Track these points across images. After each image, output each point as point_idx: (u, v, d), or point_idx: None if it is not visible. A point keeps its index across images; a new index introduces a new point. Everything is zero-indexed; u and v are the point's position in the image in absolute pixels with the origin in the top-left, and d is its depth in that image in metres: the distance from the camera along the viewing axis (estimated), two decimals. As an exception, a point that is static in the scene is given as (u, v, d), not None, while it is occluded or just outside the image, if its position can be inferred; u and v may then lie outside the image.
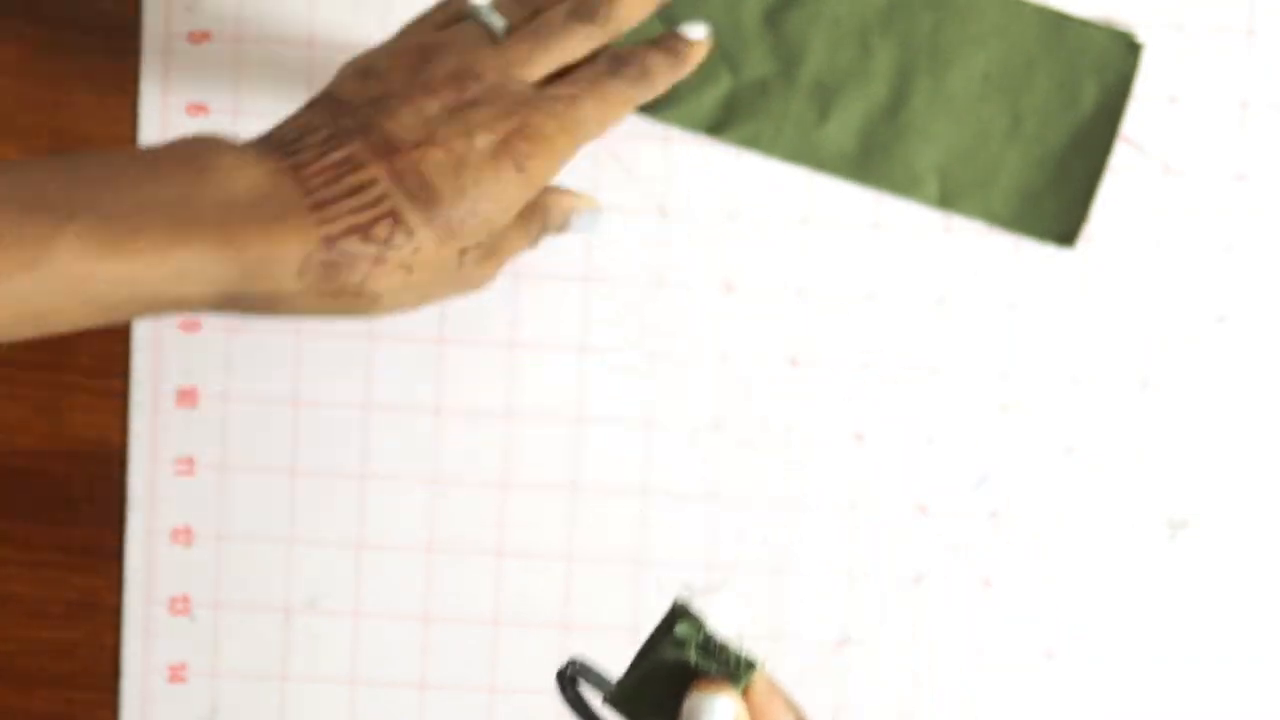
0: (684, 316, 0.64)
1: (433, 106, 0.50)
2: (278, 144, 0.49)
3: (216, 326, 0.64)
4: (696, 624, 0.42)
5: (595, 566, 0.65)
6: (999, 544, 0.65)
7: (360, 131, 0.49)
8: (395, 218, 0.48)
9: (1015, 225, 0.63)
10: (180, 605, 0.65)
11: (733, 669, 0.41)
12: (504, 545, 0.65)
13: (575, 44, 0.53)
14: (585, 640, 0.65)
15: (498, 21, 0.53)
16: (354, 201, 0.48)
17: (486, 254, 0.52)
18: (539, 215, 0.55)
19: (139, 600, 0.65)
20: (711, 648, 0.41)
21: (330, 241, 0.48)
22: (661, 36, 0.57)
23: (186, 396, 0.64)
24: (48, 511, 0.65)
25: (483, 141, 0.50)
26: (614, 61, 0.53)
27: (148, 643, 0.65)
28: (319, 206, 0.48)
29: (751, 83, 0.63)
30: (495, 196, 0.50)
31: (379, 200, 0.48)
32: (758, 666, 0.41)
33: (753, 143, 0.63)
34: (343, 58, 0.63)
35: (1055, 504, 0.64)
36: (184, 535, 0.65)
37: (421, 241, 0.49)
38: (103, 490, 0.65)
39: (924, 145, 0.63)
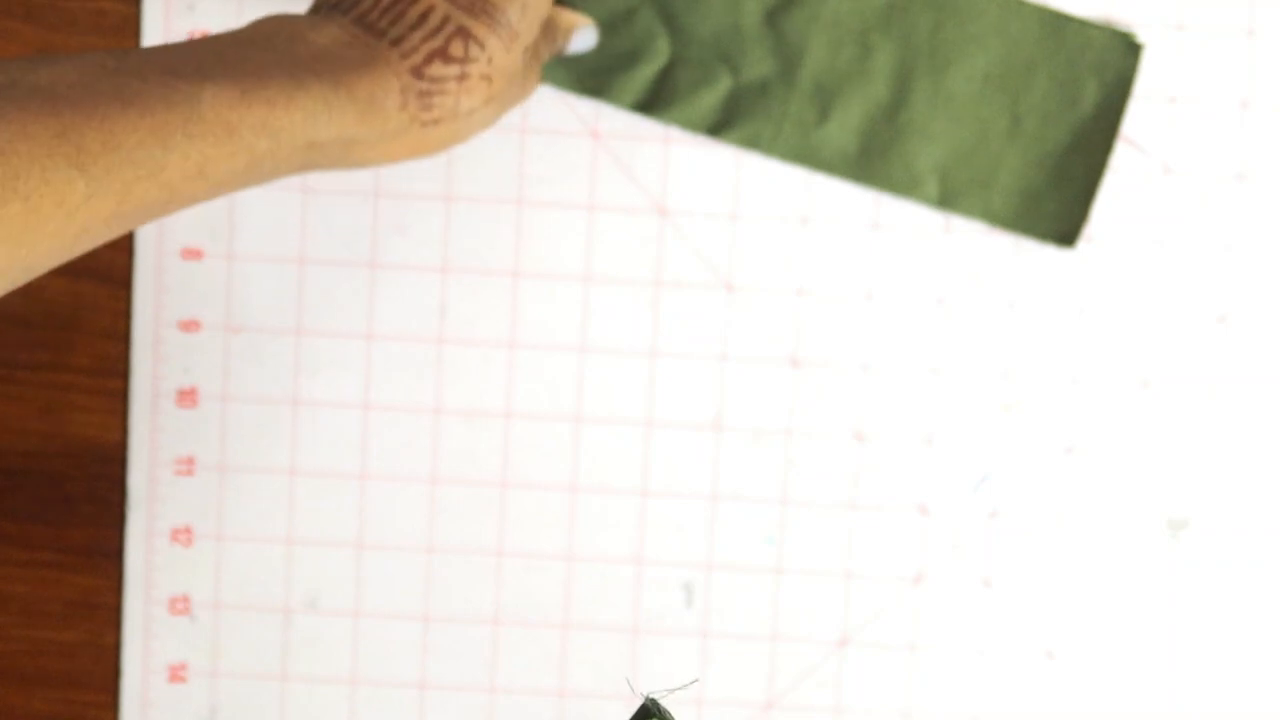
0: (684, 316, 0.64)
1: None
2: (331, 6, 0.54)
3: (216, 326, 0.64)
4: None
5: (595, 566, 0.65)
6: (999, 544, 0.65)
7: None
8: (465, 33, 0.53)
9: (1016, 225, 0.63)
10: (180, 605, 0.65)
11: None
12: (504, 545, 0.65)
13: None
14: (585, 640, 0.65)
15: None
16: (424, 30, 0.52)
17: (534, 56, 0.57)
18: (552, 28, 0.59)
19: (139, 600, 0.65)
20: None
21: (418, 70, 0.52)
22: None
23: (186, 396, 0.64)
24: (47, 511, 0.65)
25: None
26: None
27: (148, 643, 0.65)
28: (396, 42, 0.52)
29: (751, 83, 0.63)
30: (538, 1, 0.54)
31: (444, 22, 0.52)
32: None
33: (753, 143, 0.63)
34: (343, 57, 0.63)
35: (1055, 504, 0.65)
36: (184, 535, 0.65)
37: (493, 50, 0.53)
38: (102, 490, 0.65)
39: (924, 145, 0.63)
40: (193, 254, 0.64)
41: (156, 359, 0.64)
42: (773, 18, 0.63)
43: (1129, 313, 0.64)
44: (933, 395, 0.64)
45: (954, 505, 0.65)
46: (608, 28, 0.62)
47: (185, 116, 0.47)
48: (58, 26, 0.64)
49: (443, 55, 0.52)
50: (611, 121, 0.64)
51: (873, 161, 0.63)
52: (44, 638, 0.65)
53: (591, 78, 0.63)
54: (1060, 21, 0.63)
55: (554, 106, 0.64)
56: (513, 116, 0.64)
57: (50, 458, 0.65)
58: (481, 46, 0.53)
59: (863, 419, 0.65)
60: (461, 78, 0.52)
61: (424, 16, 0.52)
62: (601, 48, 0.62)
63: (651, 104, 0.63)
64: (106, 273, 0.64)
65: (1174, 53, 0.64)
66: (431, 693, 0.65)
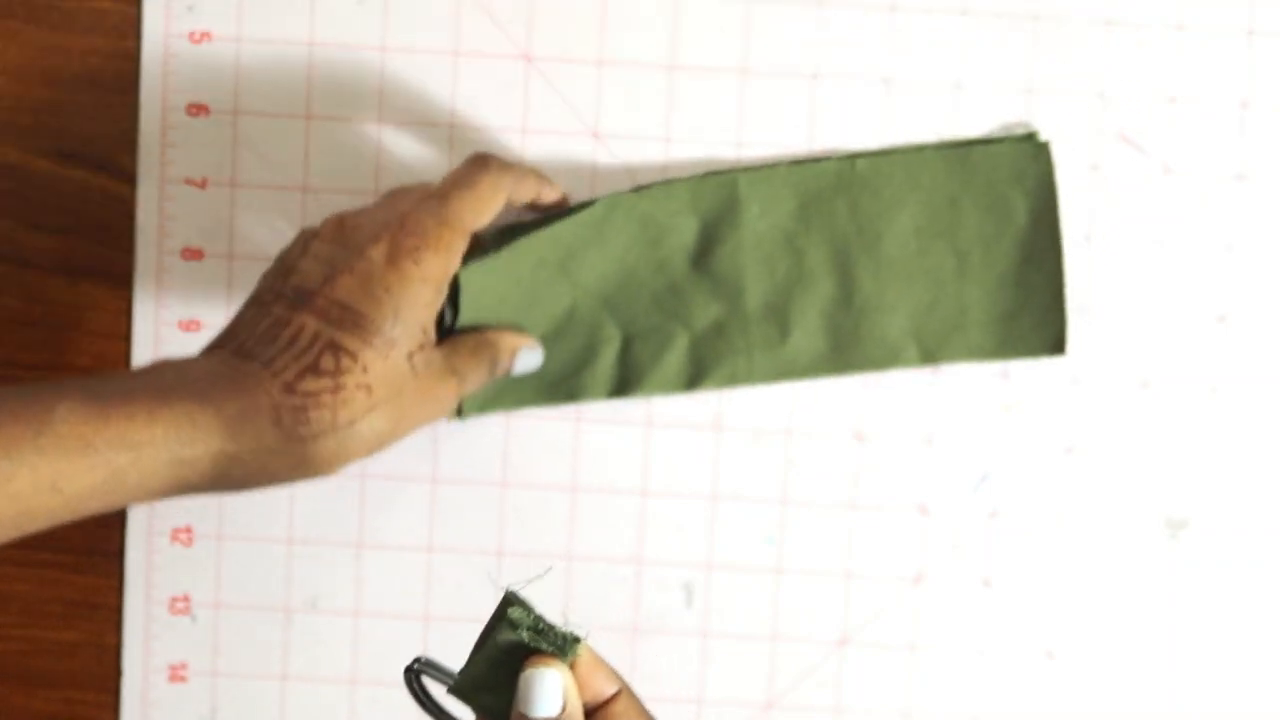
0: (684, 316, 0.64)
1: (324, 249, 0.55)
2: (216, 345, 0.55)
3: (216, 325, 0.64)
4: (527, 608, 0.46)
5: (595, 566, 0.65)
6: (999, 544, 0.65)
7: (278, 300, 0.54)
8: (335, 346, 0.53)
9: (1003, 353, 0.63)
10: (180, 605, 0.65)
11: (560, 646, 0.46)
12: (504, 545, 0.65)
13: (476, 187, 0.57)
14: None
15: None
16: (295, 348, 0.53)
17: (445, 370, 0.56)
18: (488, 349, 0.59)
19: (139, 600, 0.65)
20: (541, 628, 0.46)
21: (289, 387, 0.52)
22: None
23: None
24: (48, 511, 0.65)
25: (376, 252, 0.54)
26: (478, 159, 0.58)
27: (148, 642, 0.65)
28: (269, 363, 0.52)
29: (706, 330, 0.63)
30: (408, 296, 0.54)
31: (315, 339, 0.53)
32: (582, 641, 0.46)
33: (731, 382, 0.64)
34: (343, 57, 0.63)
35: (1055, 504, 0.64)
36: (184, 535, 0.65)
37: (367, 360, 0.53)
38: (103, 490, 0.65)
39: (888, 317, 0.63)
40: (193, 254, 0.64)
41: (157, 359, 0.64)
42: (701, 263, 0.63)
43: (1129, 313, 0.64)
44: (933, 395, 0.64)
45: (954, 505, 0.65)
46: (555, 334, 0.62)
47: (36, 430, 0.48)
48: (58, 27, 0.64)
49: (313, 370, 0.52)
50: (612, 122, 0.64)
51: (847, 351, 0.63)
52: (44, 637, 0.65)
53: (559, 385, 0.63)
54: (965, 152, 0.63)
55: (555, 106, 0.64)
56: (513, 118, 0.64)
57: (50, 458, 0.65)
58: (354, 358, 0.53)
59: (863, 419, 0.65)
60: (336, 389, 0.52)
61: (294, 338, 0.53)
62: (558, 353, 0.63)
63: (623, 387, 0.63)
64: (107, 273, 0.64)
65: (1174, 53, 0.64)
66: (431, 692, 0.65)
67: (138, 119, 0.64)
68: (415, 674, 0.50)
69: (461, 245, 0.56)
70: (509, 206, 0.58)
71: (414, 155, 0.64)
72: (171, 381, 0.51)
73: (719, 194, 0.63)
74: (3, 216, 0.64)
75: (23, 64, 0.64)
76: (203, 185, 0.64)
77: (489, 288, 0.60)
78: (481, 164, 0.57)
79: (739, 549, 0.65)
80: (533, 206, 0.61)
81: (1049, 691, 0.65)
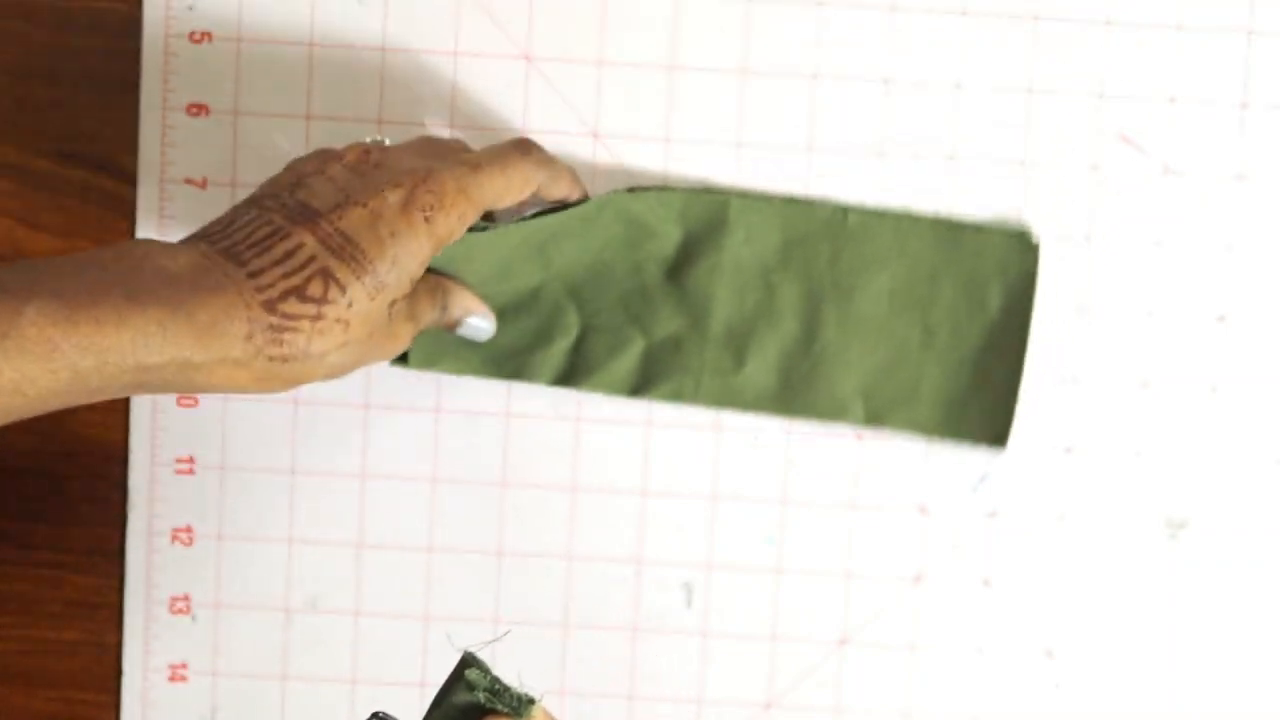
0: (684, 316, 0.64)
1: (342, 174, 0.54)
2: (206, 235, 0.53)
3: (217, 326, 0.64)
4: (484, 670, 0.48)
5: (595, 566, 0.65)
6: (999, 544, 0.65)
7: (281, 209, 0.53)
8: (327, 274, 0.51)
9: (944, 433, 0.64)
10: (180, 605, 0.65)
11: (515, 707, 0.47)
12: (504, 545, 0.65)
13: (508, 170, 0.57)
14: (585, 640, 0.65)
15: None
16: (286, 266, 0.51)
17: (408, 315, 0.56)
18: (442, 294, 0.58)
19: (139, 600, 0.65)
20: (498, 689, 0.48)
21: (271, 305, 0.51)
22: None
23: (185, 396, 0.64)
24: (47, 511, 0.65)
25: (393, 196, 0.53)
26: (524, 143, 0.58)
27: (148, 642, 0.65)
28: (255, 275, 0.51)
29: (664, 341, 0.63)
30: (410, 247, 0.53)
31: (309, 261, 0.51)
32: (537, 703, 0.48)
33: (675, 397, 0.63)
34: (343, 57, 0.63)
35: (1055, 504, 0.65)
36: (184, 535, 0.65)
37: (354, 295, 0.52)
38: (103, 490, 0.65)
39: (843, 371, 0.63)
40: (193, 254, 0.64)
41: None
42: (675, 275, 0.63)
43: (1129, 313, 0.64)
44: (933, 395, 0.65)
45: (954, 505, 0.65)
46: (516, 308, 0.62)
47: (3, 333, 0.47)
48: (58, 27, 0.64)
49: (299, 293, 0.51)
50: (612, 122, 0.64)
51: (796, 395, 0.63)
52: (44, 637, 0.65)
53: (508, 360, 0.63)
54: (956, 230, 0.63)
55: (555, 106, 0.64)
56: (513, 118, 0.64)
57: (50, 458, 0.65)
58: (343, 290, 0.52)
59: (863, 419, 0.65)
60: (317, 318, 0.51)
61: (289, 253, 0.51)
62: (513, 329, 0.62)
63: (569, 377, 0.63)
64: (107, 273, 0.64)
65: (1174, 53, 0.64)
66: (432, 691, 0.65)
67: (138, 119, 0.64)
68: None
69: (473, 218, 0.55)
70: (535, 198, 0.58)
71: (414, 155, 0.64)
72: (147, 279, 0.49)
73: (709, 212, 0.63)
74: (3, 216, 0.64)
75: (23, 64, 0.64)
76: (203, 185, 0.64)
77: (464, 254, 0.60)
78: (523, 150, 0.57)
79: (739, 549, 0.65)
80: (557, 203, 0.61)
81: (1049, 691, 0.65)
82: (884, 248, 0.63)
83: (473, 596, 0.65)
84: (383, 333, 0.54)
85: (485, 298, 0.61)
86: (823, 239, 0.63)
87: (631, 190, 0.63)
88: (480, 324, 0.60)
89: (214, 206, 0.64)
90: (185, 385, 0.50)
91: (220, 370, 0.50)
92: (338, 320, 0.52)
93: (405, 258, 0.53)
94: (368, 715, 0.49)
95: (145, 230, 0.64)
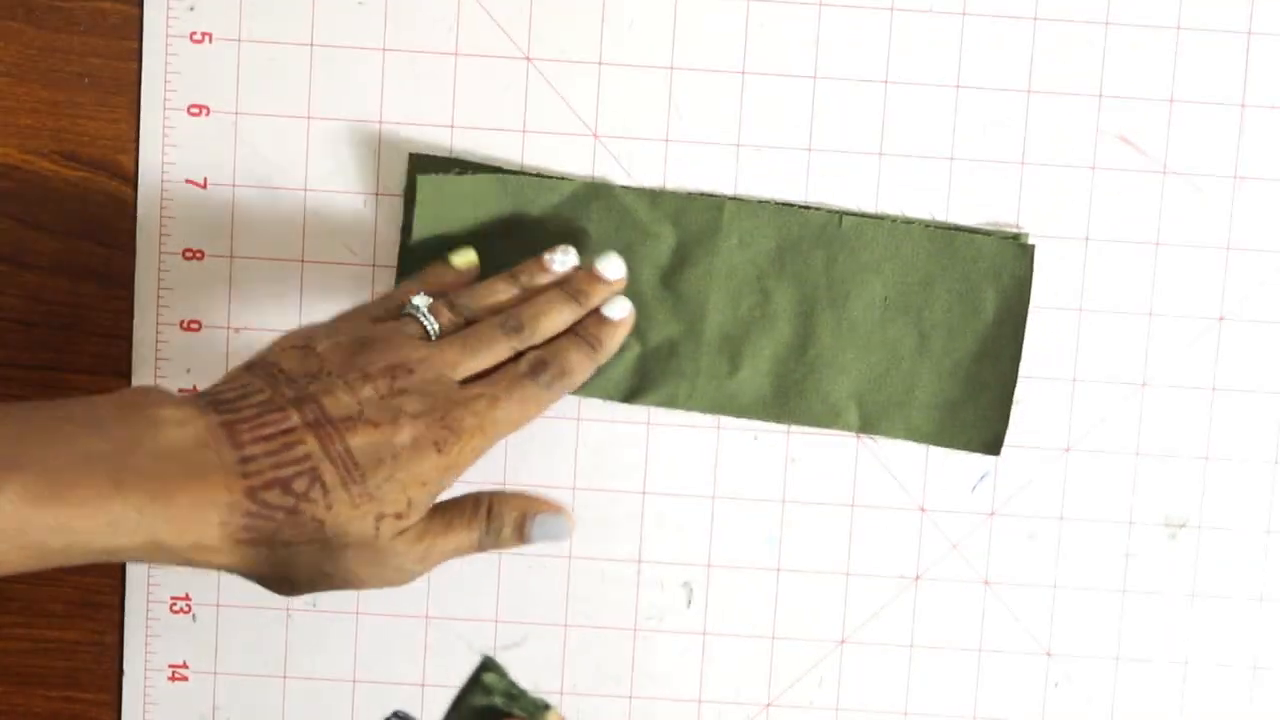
0: (684, 316, 0.64)
1: (367, 391, 0.53)
2: (216, 401, 0.52)
3: (217, 326, 0.64)
4: (502, 674, 0.49)
5: (595, 566, 0.65)
6: (999, 544, 0.65)
7: (296, 401, 0.52)
8: (314, 475, 0.51)
9: (938, 439, 0.64)
10: (181, 605, 0.65)
11: (532, 713, 0.48)
12: (504, 545, 0.65)
13: (500, 351, 0.56)
14: (584, 639, 0.65)
15: (433, 323, 0.56)
16: (280, 457, 0.51)
17: (417, 535, 0.54)
18: (484, 518, 0.57)
19: (140, 600, 0.65)
20: (515, 694, 0.49)
21: (252, 492, 0.50)
22: (581, 324, 0.58)
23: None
24: (48, 511, 0.65)
25: (407, 429, 0.53)
26: (535, 365, 0.56)
27: (149, 642, 0.65)
28: (246, 461, 0.50)
29: (659, 345, 0.63)
30: (412, 469, 0.52)
31: (303, 459, 0.51)
32: (553, 709, 0.49)
33: (670, 402, 0.64)
34: (343, 57, 0.63)
35: (1055, 504, 0.65)
36: (184, 535, 0.65)
37: (336, 499, 0.51)
38: (103, 490, 0.65)
39: (837, 376, 0.63)
40: (193, 254, 0.64)
41: (157, 359, 0.64)
42: (669, 279, 0.63)
43: (1129, 313, 0.64)
44: (932, 395, 0.65)
45: (953, 505, 0.65)
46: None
47: None
48: (58, 27, 0.64)
49: (283, 485, 0.50)
50: (612, 122, 0.64)
51: (790, 400, 0.63)
52: (45, 637, 0.65)
53: None
54: (949, 236, 0.63)
55: (555, 106, 0.64)
56: (513, 118, 0.64)
57: (51, 457, 0.65)
58: (325, 490, 0.51)
59: (863, 419, 0.65)
60: (292, 511, 0.51)
61: (288, 447, 0.51)
62: None
63: None
64: (107, 273, 0.64)
65: (1174, 53, 0.64)
66: (432, 691, 0.65)
67: (138, 119, 0.64)
68: None
69: (487, 449, 0.55)
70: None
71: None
72: (138, 457, 0.49)
73: (703, 215, 0.63)
74: (3, 216, 0.64)
75: (23, 64, 0.64)
76: (203, 185, 0.64)
77: (446, 200, 0.60)
78: (535, 375, 0.56)
79: (739, 549, 0.65)
80: None
81: (1048, 691, 0.65)
82: (878, 253, 0.63)
83: (473, 596, 0.65)
84: (363, 548, 0.52)
85: (475, 280, 0.61)
86: (817, 244, 0.63)
87: (624, 188, 0.63)
88: (553, 522, 0.57)
89: (214, 207, 0.64)
90: (151, 561, 0.50)
91: (188, 552, 0.50)
92: (313, 519, 0.51)
93: (404, 477, 0.52)
94: (389, 714, 0.50)
95: (145, 231, 0.64)
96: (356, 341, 0.55)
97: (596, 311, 0.59)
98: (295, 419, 0.52)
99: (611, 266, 0.59)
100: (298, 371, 0.53)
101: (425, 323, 0.56)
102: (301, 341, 0.55)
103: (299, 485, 0.51)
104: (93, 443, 0.49)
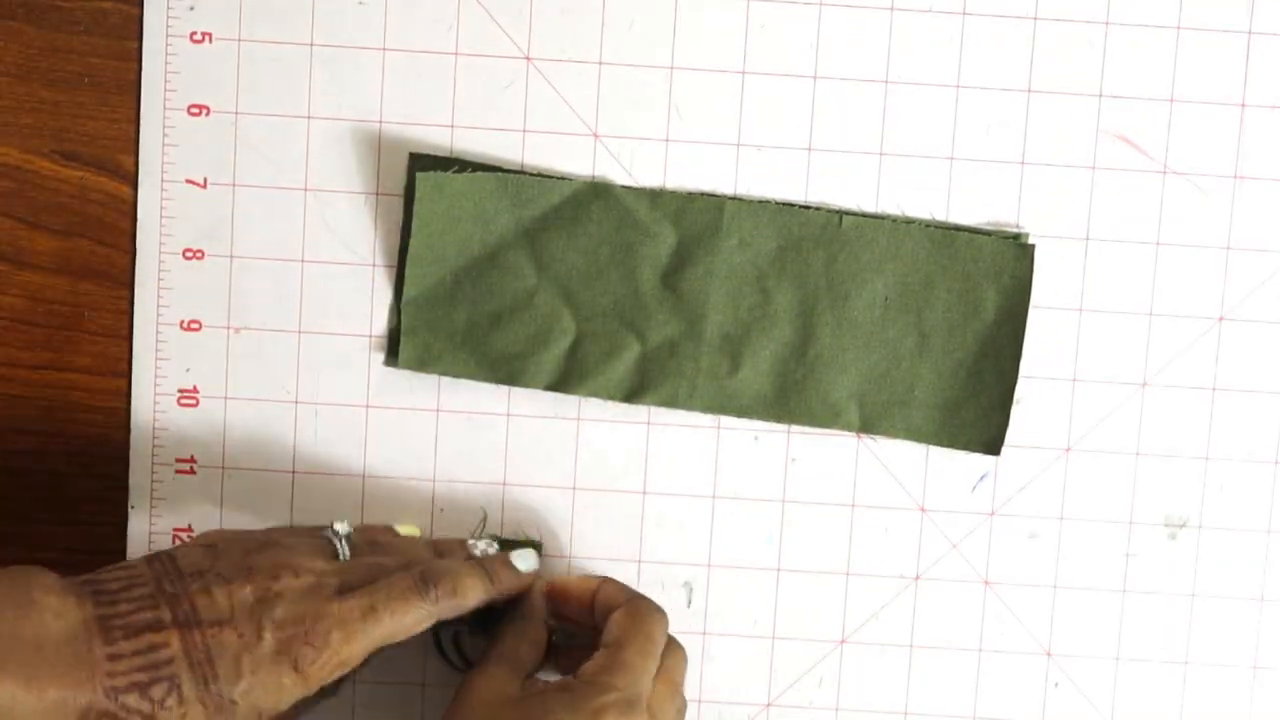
0: (684, 316, 0.64)
1: (244, 592, 0.54)
2: (99, 591, 0.53)
3: (217, 326, 0.64)
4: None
5: (595, 566, 0.65)
6: (999, 544, 0.65)
7: (172, 600, 0.53)
8: (173, 682, 0.52)
9: (939, 439, 0.64)
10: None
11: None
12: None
13: (405, 614, 0.55)
14: (585, 638, 0.65)
15: (345, 550, 0.57)
16: (144, 660, 0.52)
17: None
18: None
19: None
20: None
21: (113, 693, 0.51)
22: (487, 558, 0.59)
23: (187, 396, 0.64)
24: (48, 512, 0.65)
25: (269, 639, 0.53)
26: (425, 579, 0.56)
27: None
28: (113, 659, 0.52)
29: (659, 345, 0.63)
30: (269, 690, 0.53)
31: (165, 663, 0.52)
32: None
33: (670, 403, 0.64)
34: (343, 57, 0.63)
35: (1055, 504, 0.65)
36: (184, 535, 0.65)
37: (190, 708, 0.52)
38: (103, 490, 0.65)
39: (838, 376, 0.63)
40: (193, 254, 0.64)
41: (157, 359, 0.64)
42: (669, 279, 0.63)
43: (1129, 313, 0.64)
44: (932, 395, 0.65)
45: (953, 505, 0.65)
46: (511, 310, 0.63)
47: None
48: (58, 27, 0.63)
49: (141, 690, 0.51)
50: (612, 122, 0.64)
51: (790, 400, 0.63)
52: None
53: (503, 364, 0.63)
54: (950, 236, 0.63)
55: (555, 106, 0.64)
56: (513, 118, 0.64)
57: (51, 457, 0.65)
58: (181, 701, 0.52)
59: (863, 419, 0.65)
60: (148, 717, 0.51)
61: (153, 648, 0.52)
62: (508, 333, 0.63)
63: (564, 382, 0.63)
64: (107, 273, 0.64)
65: (1174, 53, 0.64)
66: (432, 691, 0.65)
67: (138, 119, 0.64)
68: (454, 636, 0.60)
69: (358, 662, 0.55)
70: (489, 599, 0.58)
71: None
72: (17, 647, 0.50)
73: (704, 215, 0.63)
74: (3, 216, 0.64)
75: (23, 64, 0.64)
76: (203, 185, 0.64)
77: (445, 199, 0.61)
78: (422, 590, 0.56)
79: (739, 549, 0.65)
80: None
81: (1048, 691, 0.65)
82: (879, 253, 0.63)
83: (473, 596, 0.65)
84: None
85: (476, 281, 0.61)
86: (817, 244, 0.63)
87: (624, 188, 0.63)
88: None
89: (214, 206, 0.64)
90: None
91: None
92: None
93: (259, 697, 0.53)
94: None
95: (145, 231, 0.64)
96: (259, 543, 0.56)
97: (505, 558, 0.60)
98: (167, 615, 0.53)
99: (525, 561, 0.60)
100: (190, 567, 0.55)
101: (338, 545, 0.57)
102: (213, 539, 0.57)
103: (156, 692, 0.52)
104: None
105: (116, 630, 0.52)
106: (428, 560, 0.58)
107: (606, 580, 0.60)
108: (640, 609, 0.57)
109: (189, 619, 0.53)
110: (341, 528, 0.58)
